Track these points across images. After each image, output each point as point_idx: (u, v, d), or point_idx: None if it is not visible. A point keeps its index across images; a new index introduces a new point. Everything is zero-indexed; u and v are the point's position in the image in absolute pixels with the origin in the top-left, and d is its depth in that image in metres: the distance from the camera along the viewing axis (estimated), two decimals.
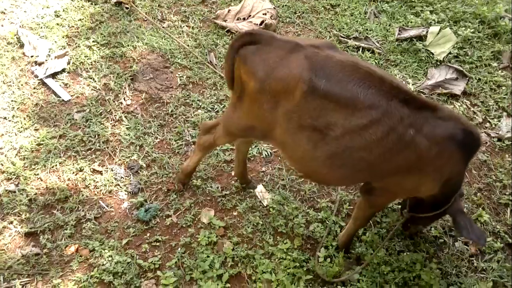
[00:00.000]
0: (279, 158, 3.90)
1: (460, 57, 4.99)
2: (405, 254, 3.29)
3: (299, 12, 5.45)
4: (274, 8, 5.30)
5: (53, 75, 4.34)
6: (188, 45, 4.80)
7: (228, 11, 5.20)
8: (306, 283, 3.10)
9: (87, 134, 3.89)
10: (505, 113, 4.47)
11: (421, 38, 5.16)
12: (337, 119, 2.36)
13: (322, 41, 2.58)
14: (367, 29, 5.28)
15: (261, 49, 2.48)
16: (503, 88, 4.66)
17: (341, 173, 2.59)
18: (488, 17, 5.35)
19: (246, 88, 2.56)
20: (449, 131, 2.41)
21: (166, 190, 3.60)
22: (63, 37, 4.74)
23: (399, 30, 5.21)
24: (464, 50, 5.07)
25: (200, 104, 4.24)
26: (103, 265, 3.11)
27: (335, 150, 2.43)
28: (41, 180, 3.57)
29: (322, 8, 5.55)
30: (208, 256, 3.18)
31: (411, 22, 5.36)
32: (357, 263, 3.25)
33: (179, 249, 3.25)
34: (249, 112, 2.66)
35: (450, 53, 4.99)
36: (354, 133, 2.36)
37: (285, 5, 5.53)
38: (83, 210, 3.42)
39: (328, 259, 3.22)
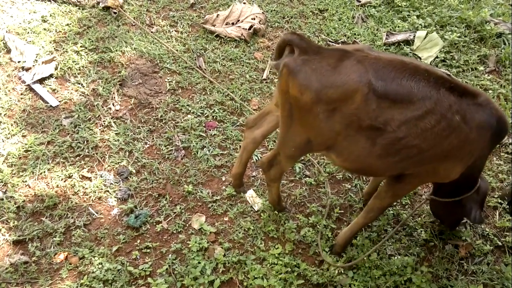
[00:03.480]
0: None
1: (447, 61, 5.05)
2: (396, 257, 3.31)
3: (288, 17, 5.48)
4: (262, 13, 5.32)
5: (41, 81, 4.30)
6: (177, 50, 4.79)
7: (217, 16, 5.20)
8: None
9: (76, 140, 3.85)
10: None
11: (408, 42, 5.22)
12: (394, 114, 2.43)
13: (362, 44, 2.63)
14: (355, 34, 5.32)
15: (310, 60, 2.45)
16: (490, 91, 4.73)
17: (394, 161, 2.64)
18: (474, 22, 5.43)
19: (298, 102, 2.51)
20: (486, 117, 2.52)
21: (156, 196, 3.57)
22: (50, 42, 4.70)
23: (387, 35, 5.25)
24: (451, 54, 5.13)
25: (190, 109, 4.23)
26: (93, 272, 3.07)
27: (392, 142, 2.50)
28: (29, 187, 3.52)
29: (310, 13, 5.58)
30: (199, 262, 3.16)
31: (398, 26, 5.41)
32: (350, 267, 3.26)
33: (170, 255, 3.22)
34: (303, 125, 2.64)
35: (437, 57, 5.05)
36: (410, 124, 2.44)
37: (274, 10, 5.55)
38: (72, 217, 3.38)
39: (321, 263, 3.22)
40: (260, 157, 3.91)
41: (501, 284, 3.22)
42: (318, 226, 3.43)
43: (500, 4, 6.00)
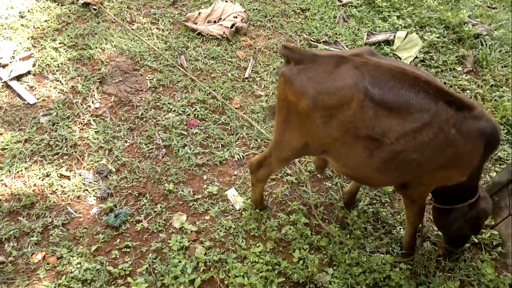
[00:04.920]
0: None
1: (426, 61, 5.12)
2: (375, 255, 3.34)
3: (270, 16, 5.48)
4: (244, 11, 5.31)
5: (18, 78, 4.21)
6: (158, 48, 4.75)
7: (199, 14, 5.18)
8: (279, 286, 3.10)
9: (54, 138, 3.79)
10: None
11: (388, 42, 5.28)
12: (392, 125, 2.41)
13: (362, 49, 2.60)
14: (336, 33, 5.35)
15: (306, 68, 2.47)
16: (468, 91, 4.81)
17: (392, 175, 2.67)
18: (453, 23, 5.52)
19: (295, 108, 2.54)
20: (480, 128, 2.55)
21: (136, 194, 3.54)
22: (28, 39, 4.61)
23: (368, 35, 5.30)
24: (430, 54, 5.21)
25: (171, 107, 4.20)
26: (71, 272, 3.03)
27: (390, 155, 2.49)
28: (6, 186, 3.45)
29: (292, 12, 5.59)
30: (180, 261, 3.14)
31: (379, 26, 5.47)
32: (330, 265, 3.28)
33: (150, 254, 3.20)
34: (300, 130, 2.65)
35: (416, 57, 5.11)
36: (408, 136, 2.43)
37: (256, 9, 5.55)
38: (50, 217, 3.33)
39: (301, 261, 3.23)
40: (243, 156, 3.91)
41: (478, 280, 3.28)
42: (298, 225, 3.44)
43: (478, 6, 6.12)
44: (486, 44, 5.36)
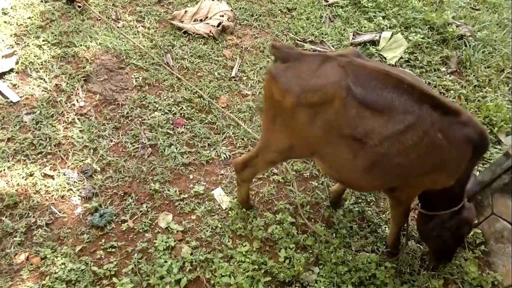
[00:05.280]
0: None
1: (411, 61, 5.17)
2: (361, 254, 3.37)
3: (256, 15, 5.48)
4: (231, 10, 5.30)
5: (1, 75, 4.14)
6: (144, 46, 4.72)
7: (185, 12, 5.15)
8: (265, 285, 3.11)
9: (38, 137, 3.73)
10: None
11: (374, 42, 5.32)
12: (375, 126, 2.40)
13: (349, 50, 2.61)
14: (322, 33, 5.37)
15: (291, 65, 2.48)
16: (452, 92, 4.88)
17: (378, 180, 2.67)
18: (437, 24, 5.59)
19: (280, 106, 2.55)
20: (468, 134, 2.53)
21: (122, 194, 3.51)
22: (11, 36, 4.53)
23: (354, 35, 5.34)
24: (415, 55, 5.26)
25: (157, 106, 4.17)
26: (55, 273, 2.99)
27: (375, 158, 2.48)
28: None
29: (279, 12, 5.60)
30: (166, 261, 3.13)
31: (364, 27, 5.50)
32: (316, 264, 3.30)
33: (136, 254, 3.17)
34: (286, 130, 2.65)
35: (401, 57, 5.16)
36: (392, 139, 2.42)
37: (242, 8, 5.54)
38: (33, 217, 3.28)
39: (288, 260, 3.24)
40: (230, 155, 3.91)
41: (461, 279, 3.33)
42: (285, 224, 3.45)
43: (462, 7, 6.20)
44: (469, 45, 5.43)
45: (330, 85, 2.38)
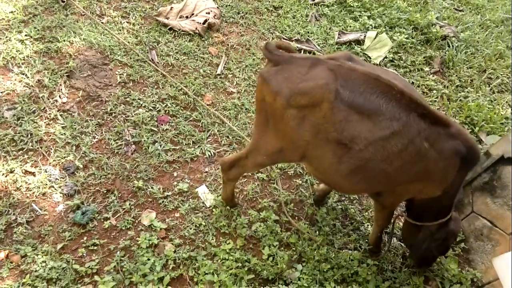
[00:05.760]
0: None
1: (395, 61, 5.22)
2: (343, 251, 3.39)
3: (243, 13, 5.47)
4: (217, 7, 5.29)
5: None
6: (128, 42, 4.67)
7: (171, 9, 5.12)
8: (248, 282, 3.11)
9: (19, 133, 3.68)
10: None
11: (359, 42, 5.35)
12: (361, 131, 2.41)
13: (340, 53, 2.62)
14: (308, 32, 5.39)
15: (282, 68, 2.51)
16: (434, 91, 4.93)
17: (361, 185, 2.68)
18: (421, 24, 5.64)
19: (271, 108, 2.56)
20: (456, 147, 2.53)
21: (104, 191, 3.48)
22: None
23: (339, 34, 5.36)
24: (399, 54, 5.31)
25: (141, 102, 4.14)
26: (36, 271, 2.95)
27: (358, 163, 2.49)
28: None
29: (265, 10, 5.60)
30: (148, 259, 3.11)
31: (350, 26, 5.53)
32: (299, 261, 3.31)
33: (118, 252, 3.15)
34: (276, 132, 2.66)
35: (386, 57, 5.20)
36: (376, 144, 2.42)
37: (229, 5, 5.52)
38: (14, 214, 3.23)
39: (271, 258, 3.25)
40: (214, 153, 3.90)
41: (441, 275, 3.38)
42: (269, 222, 3.46)
43: (446, 8, 6.27)
44: (452, 46, 5.50)
45: (319, 88, 2.39)
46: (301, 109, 2.47)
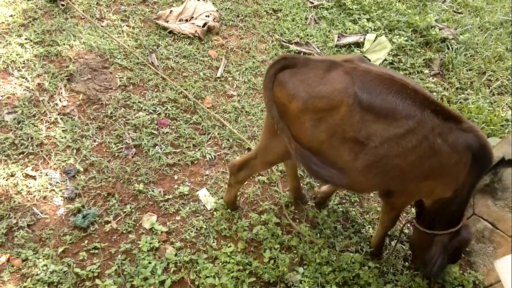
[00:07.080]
0: (223, 161, 3.89)
1: (394, 63, 5.23)
2: (345, 254, 3.39)
3: (242, 16, 5.48)
4: (217, 10, 5.29)
5: None
6: (128, 45, 4.68)
7: (170, 12, 5.13)
8: (250, 285, 3.11)
9: (19, 137, 3.67)
10: None
11: (358, 44, 5.36)
12: (377, 129, 2.44)
13: (353, 55, 2.64)
14: (307, 35, 5.40)
15: (298, 71, 2.52)
16: (434, 93, 4.94)
17: (375, 180, 2.68)
18: (420, 26, 5.66)
19: (286, 109, 2.58)
20: (468, 141, 2.54)
21: (105, 195, 3.47)
22: None
23: (338, 37, 5.37)
24: (398, 57, 5.32)
25: (141, 106, 4.14)
26: (37, 275, 2.95)
27: (374, 159, 2.51)
28: None
29: (265, 13, 5.61)
30: (149, 263, 3.11)
31: (349, 29, 5.54)
32: (300, 264, 3.31)
33: (119, 256, 3.14)
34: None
35: (385, 59, 5.21)
36: (391, 141, 2.46)
37: (228, 8, 5.53)
38: (15, 218, 3.23)
39: (272, 261, 3.25)
40: (215, 156, 3.90)
41: (443, 278, 3.37)
42: (270, 224, 3.45)
43: (445, 11, 6.29)
44: (452, 48, 5.52)
45: (338, 92, 2.42)
46: (318, 112, 2.49)
